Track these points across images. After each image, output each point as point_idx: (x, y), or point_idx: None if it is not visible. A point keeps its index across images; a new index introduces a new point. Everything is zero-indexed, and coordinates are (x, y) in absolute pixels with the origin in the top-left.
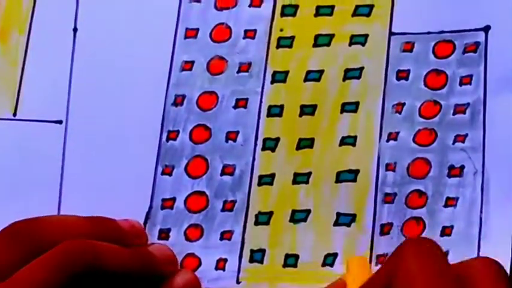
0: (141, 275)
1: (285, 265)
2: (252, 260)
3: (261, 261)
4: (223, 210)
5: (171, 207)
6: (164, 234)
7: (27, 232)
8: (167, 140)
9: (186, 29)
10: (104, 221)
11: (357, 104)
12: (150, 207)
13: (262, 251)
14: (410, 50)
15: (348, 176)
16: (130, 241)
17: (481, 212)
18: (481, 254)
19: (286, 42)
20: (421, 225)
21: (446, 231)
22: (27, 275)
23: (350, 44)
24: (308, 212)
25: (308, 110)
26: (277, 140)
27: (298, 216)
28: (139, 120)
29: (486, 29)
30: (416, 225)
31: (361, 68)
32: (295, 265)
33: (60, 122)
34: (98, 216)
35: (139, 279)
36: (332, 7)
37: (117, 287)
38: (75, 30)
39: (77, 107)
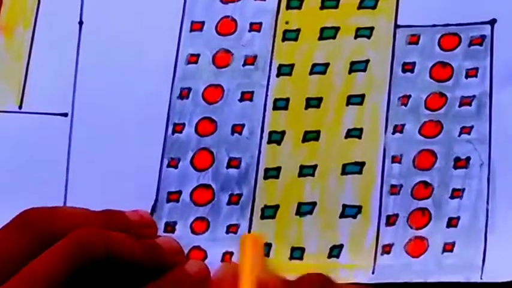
0: (149, 265)
1: (291, 258)
2: None
3: (267, 255)
4: (229, 203)
5: (177, 200)
6: (170, 227)
7: (38, 221)
8: (173, 133)
9: (192, 22)
10: (113, 213)
11: (362, 96)
12: (156, 200)
13: (269, 245)
14: (416, 43)
15: (353, 168)
16: (139, 232)
17: (487, 203)
18: (487, 245)
19: (291, 35)
20: (426, 216)
21: (452, 222)
22: (41, 266)
23: (355, 37)
24: (314, 204)
25: (314, 102)
26: (283, 133)
27: (304, 209)
28: (145, 113)
29: (492, 22)
30: (422, 216)
31: (367, 61)
32: (301, 258)
33: (65, 114)
34: (107, 209)
35: (147, 270)
36: (337, 0)
37: (126, 276)
38: (80, 23)
39: (83, 99)
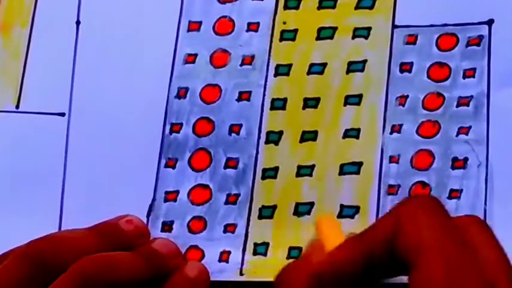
0: (150, 275)
1: (289, 257)
2: (255, 252)
3: (265, 254)
4: (226, 203)
5: (174, 200)
6: (167, 226)
7: (39, 254)
8: (170, 133)
9: (189, 21)
10: (108, 229)
11: (360, 96)
12: (153, 200)
13: (266, 244)
14: (414, 43)
15: (351, 168)
16: (135, 243)
17: (485, 203)
18: None
19: (289, 35)
20: None
21: None
22: None
23: (353, 37)
24: (312, 204)
25: (311, 102)
26: (280, 133)
27: (302, 209)
28: (143, 112)
29: (489, 22)
30: None
31: (364, 61)
32: (298, 257)
33: (63, 114)
34: (101, 224)
35: (148, 279)
36: (335, 0)
37: None
38: (77, 23)
39: (80, 99)
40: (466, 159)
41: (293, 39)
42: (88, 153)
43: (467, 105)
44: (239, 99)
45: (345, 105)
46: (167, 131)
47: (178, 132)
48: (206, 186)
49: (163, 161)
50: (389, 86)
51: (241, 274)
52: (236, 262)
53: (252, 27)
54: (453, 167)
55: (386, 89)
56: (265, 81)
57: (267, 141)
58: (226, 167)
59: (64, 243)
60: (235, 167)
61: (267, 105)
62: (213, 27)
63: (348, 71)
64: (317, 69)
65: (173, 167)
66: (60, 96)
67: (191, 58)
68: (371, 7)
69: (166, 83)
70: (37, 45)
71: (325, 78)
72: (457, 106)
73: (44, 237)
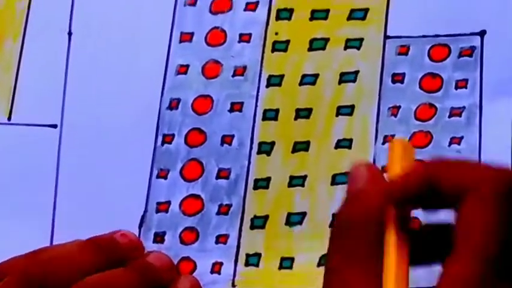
0: None
1: (281, 267)
2: (247, 263)
3: (257, 265)
4: (218, 213)
5: (166, 211)
6: (159, 237)
7: (40, 276)
8: (162, 144)
9: (181, 32)
10: (104, 242)
11: (352, 107)
12: (145, 211)
13: (258, 255)
14: (406, 54)
15: (343, 178)
16: (129, 256)
17: None
18: None
19: (281, 46)
20: (416, 225)
21: None
22: None
23: (345, 48)
24: (304, 214)
25: (303, 113)
26: (272, 143)
27: (294, 219)
28: (134, 123)
29: (482, 33)
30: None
31: (357, 72)
32: (290, 267)
33: (55, 126)
34: (96, 237)
35: None
36: (327, 11)
37: None
38: (69, 34)
39: (72, 111)
40: None
41: (285, 50)
42: (80, 165)
43: (460, 115)
44: (231, 110)
45: (337, 115)
46: (159, 142)
47: (170, 143)
48: (198, 197)
49: (155, 172)
50: (381, 96)
51: (233, 285)
52: (228, 273)
53: (244, 38)
54: None
55: (379, 100)
56: (257, 92)
57: (259, 152)
58: (218, 177)
59: (60, 261)
60: (227, 178)
61: (259, 115)
62: (205, 38)
63: (340, 82)
64: (309, 80)
65: (165, 178)
66: (52, 108)
67: (183, 69)
68: (363, 18)
69: (158, 94)
70: (29, 58)
71: (317, 89)
72: (449, 117)
73: (41, 256)
